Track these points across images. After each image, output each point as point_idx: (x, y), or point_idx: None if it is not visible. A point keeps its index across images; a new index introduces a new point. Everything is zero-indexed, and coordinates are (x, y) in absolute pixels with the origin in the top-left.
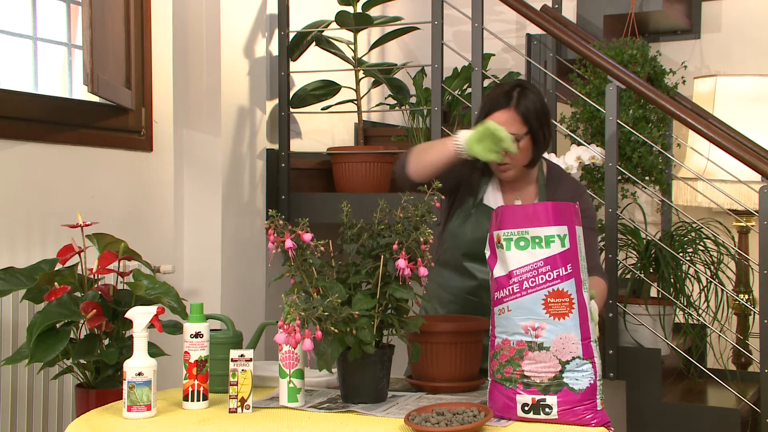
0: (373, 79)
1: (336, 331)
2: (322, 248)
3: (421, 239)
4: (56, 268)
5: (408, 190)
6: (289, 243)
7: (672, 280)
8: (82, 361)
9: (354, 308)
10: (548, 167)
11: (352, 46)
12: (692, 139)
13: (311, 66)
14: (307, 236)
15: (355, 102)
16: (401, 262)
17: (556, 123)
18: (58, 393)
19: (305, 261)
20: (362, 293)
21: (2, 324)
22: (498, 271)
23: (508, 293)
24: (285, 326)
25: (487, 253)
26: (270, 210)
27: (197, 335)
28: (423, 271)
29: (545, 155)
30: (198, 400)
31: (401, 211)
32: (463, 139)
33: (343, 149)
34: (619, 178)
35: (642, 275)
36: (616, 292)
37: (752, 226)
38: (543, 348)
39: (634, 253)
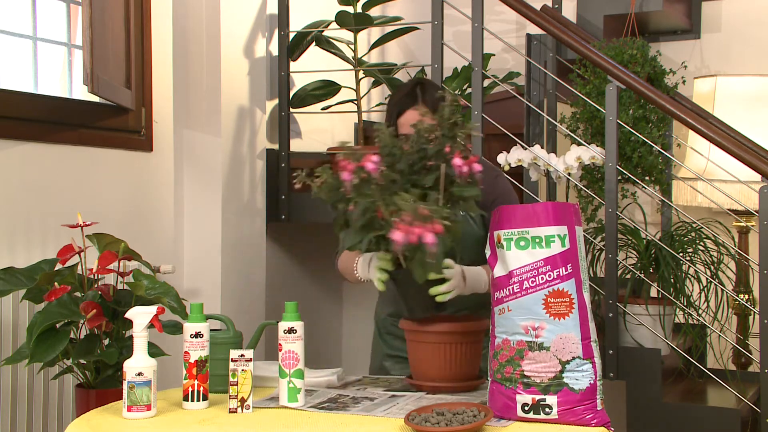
0: (373, 79)
1: (449, 224)
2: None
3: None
4: (56, 268)
5: None
6: (346, 175)
7: (672, 280)
8: (82, 361)
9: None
10: None
11: (352, 46)
12: (692, 139)
13: (311, 66)
14: (371, 165)
15: (355, 102)
16: (458, 161)
17: (556, 123)
18: (58, 393)
19: (374, 186)
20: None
21: (2, 324)
22: (498, 271)
23: (508, 293)
24: (400, 223)
25: (488, 253)
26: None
27: (197, 335)
28: (478, 167)
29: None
30: (198, 400)
31: (432, 134)
32: (363, 274)
33: (343, 149)
34: (619, 178)
35: (642, 275)
36: (616, 292)
37: (752, 226)
38: (543, 348)
39: (634, 253)
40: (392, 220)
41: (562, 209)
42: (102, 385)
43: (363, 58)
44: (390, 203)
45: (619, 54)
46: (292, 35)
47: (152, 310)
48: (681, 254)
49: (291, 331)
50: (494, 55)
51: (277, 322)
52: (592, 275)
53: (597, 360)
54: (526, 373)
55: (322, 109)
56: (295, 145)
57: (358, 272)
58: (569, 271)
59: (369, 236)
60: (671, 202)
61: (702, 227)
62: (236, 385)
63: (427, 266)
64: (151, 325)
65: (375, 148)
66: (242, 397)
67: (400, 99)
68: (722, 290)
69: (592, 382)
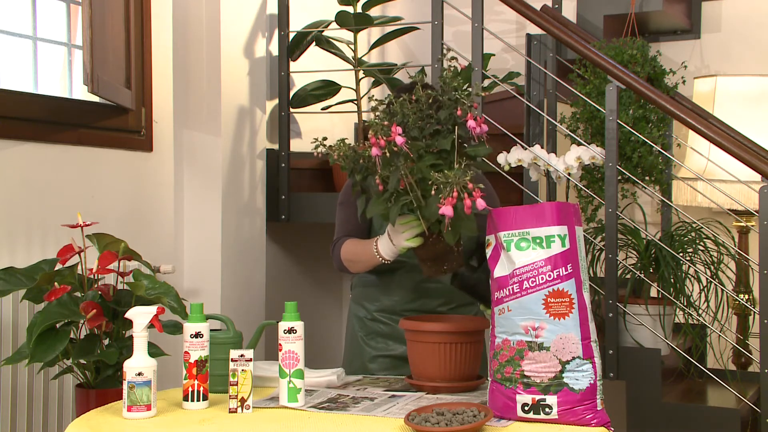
0: (373, 79)
1: (483, 186)
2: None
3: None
4: (56, 268)
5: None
6: (375, 150)
7: (672, 280)
8: (82, 361)
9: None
10: None
11: (352, 46)
12: (692, 139)
13: (311, 66)
14: (400, 139)
15: (355, 102)
16: (471, 122)
17: (556, 123)
18: (58, 393)
19: (402, 157)
20: (446, 168)
21: (2, 324)
22: (498, 271)
23: (508, 293)
24: (445, 199)
25: (488, 253)
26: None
27: (197, 335)
28: (485, 127)
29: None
30: (198, 400)
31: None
32: (388, 252)
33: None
34: (619, 178)
35: (642, 275)
36: (616, 292)
37: (752, 226)
38: (543, 348)
39: (634, 253)
40: (439, 195)
41: (562, 209)
42: (102, 385)
43: (363, 58)
44: (419, 174)
45: (619, 54)
46: (292, 35)
47: (152, 310)
48: (681, 254)
49: (291, 331)
50: (494, 55)
51: (277, 322)
52: (592, 275)
53: (597, 360)
54: (526, 373)
55: (322, 109)
56: (295, 145)
57: (382, 254)
58: (569, 271)
59: (399, 204)
60: (671, 202)
61: (702, 227)
62: (236, 385)
63: (458, 230)
64: (151, 325)
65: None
66: (242, 397)
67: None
68: (722, 290)
69: (592, 382)
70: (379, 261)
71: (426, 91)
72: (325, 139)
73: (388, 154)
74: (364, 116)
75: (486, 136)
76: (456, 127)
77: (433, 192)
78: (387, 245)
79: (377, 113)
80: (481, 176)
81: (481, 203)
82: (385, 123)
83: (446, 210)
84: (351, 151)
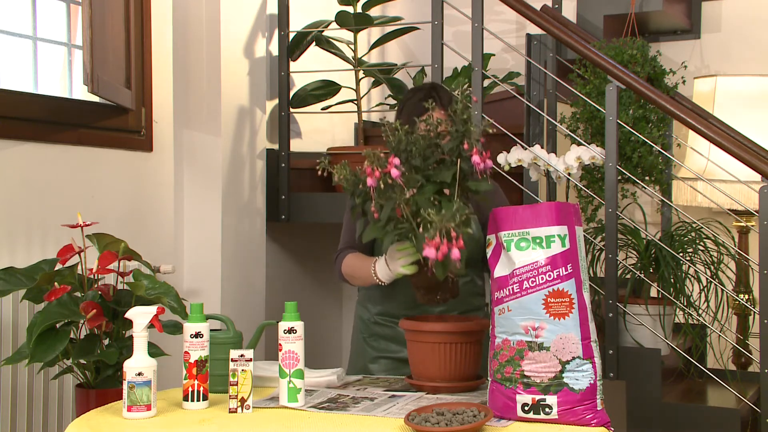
0: (373, 79)
1: (471, 231)
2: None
3: (473, 135)
4: (56, 268)
5: None
6: (370, 181)
7: (672, 280)
8: (82, 361)
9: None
10: None
11: (352, 46)
12: (692, 139)
13: (311, 66)
14: (395, 172)
15: (355, 102)
16: (476, 158)
17: (556, 123)
18: (58, 393)
19: (397, 189)
20: (445, 200)
21: (2, 324)
22: (498, 271)
23: (508, 293)
24: (429, 241)
25: (488, 252)
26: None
27: (197, 335)
28: (489, 163)
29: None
30: (198, 400)
31: (444, 126)
32: (384, 275)
33: (343, 149)
34: (619, 178)
35: (642, 275)
36: (616, 292)
37: (752, 226)
38: (543, 348)
39: (634, 253)
40: (424, 235)
41: (562, 209)
42: (102, 385)
43: (363, 58)
44: (413, 204)
45: (619, 54)
46: (292, 35)
47: (152, 310)
48: (681, 254)
49: (291, 331)
50: (494, 55)
51: (277, 322)
52: (592, 275)
53: (597, 360)
54: (526, 373)
55: (322, 109)
56: (295, 145)
57: (379, 276)
58: (569, 271)
59: (395, 233)
60: (671, 202)
61: (702, 227)
62: (236, 385)
63: (447, 266)
64: (151, 325)
65: (376, 148)
66: (242, 397)
67: (417, 103)
68: (722, 290)
69: (592, 382)
70: (376, 282)
71: (437, 119)
72: (328, 158)
73: (383, 186)
74: (365, 116)
75: (490, 172)
76: (459, 160)
77: (420, 229)
78: (384, 269)
79: (389, 132)
80: (494, 184)
81: (455, 254)
82: (381, 155)
83: (429, 252)
84: (352, 175)
